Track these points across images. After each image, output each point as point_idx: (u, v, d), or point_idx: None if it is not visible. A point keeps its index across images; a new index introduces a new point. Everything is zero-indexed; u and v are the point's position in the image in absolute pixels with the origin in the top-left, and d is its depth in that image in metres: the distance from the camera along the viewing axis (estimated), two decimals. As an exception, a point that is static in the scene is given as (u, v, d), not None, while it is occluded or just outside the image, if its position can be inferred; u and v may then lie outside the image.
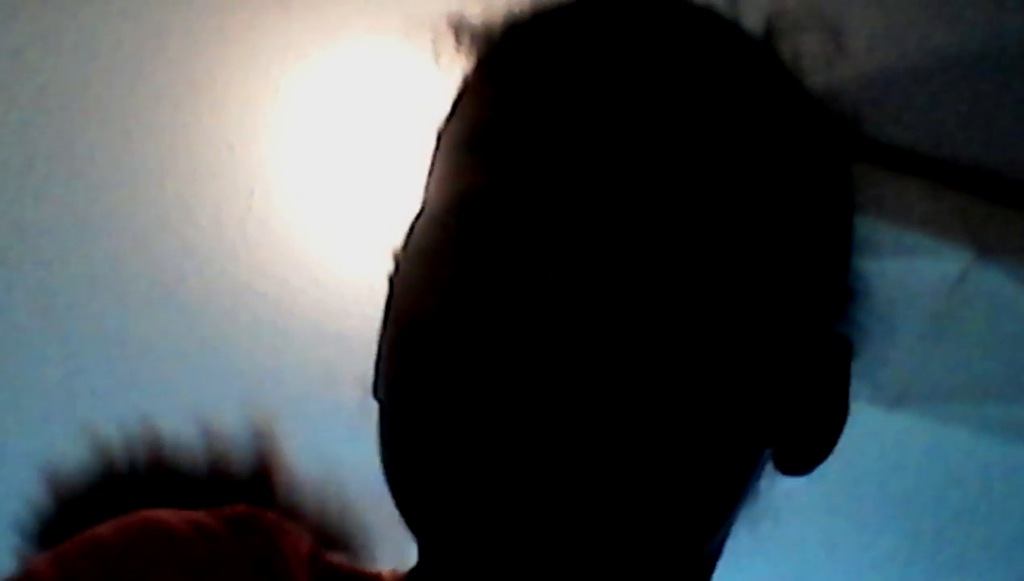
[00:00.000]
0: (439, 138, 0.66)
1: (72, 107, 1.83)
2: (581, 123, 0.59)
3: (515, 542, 0.56)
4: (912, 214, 1.49)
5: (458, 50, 0.66)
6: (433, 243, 0.61)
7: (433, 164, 0.66)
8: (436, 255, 0.60)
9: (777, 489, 0.64)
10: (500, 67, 0.64)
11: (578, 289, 0.56)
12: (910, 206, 1.47)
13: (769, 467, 0.64)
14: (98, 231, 2.01)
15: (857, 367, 0.66)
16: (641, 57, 0.60)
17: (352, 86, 1.77)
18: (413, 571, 0.66)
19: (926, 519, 2.39)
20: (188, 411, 2.48)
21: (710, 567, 0.64)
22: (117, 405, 2.35)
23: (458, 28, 0.66)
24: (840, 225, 0.66)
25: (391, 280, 0.66)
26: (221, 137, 1.86)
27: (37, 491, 0.69)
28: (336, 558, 0.69)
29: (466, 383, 0.57)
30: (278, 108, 1.81)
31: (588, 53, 0.61)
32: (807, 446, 0.64)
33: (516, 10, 0.65)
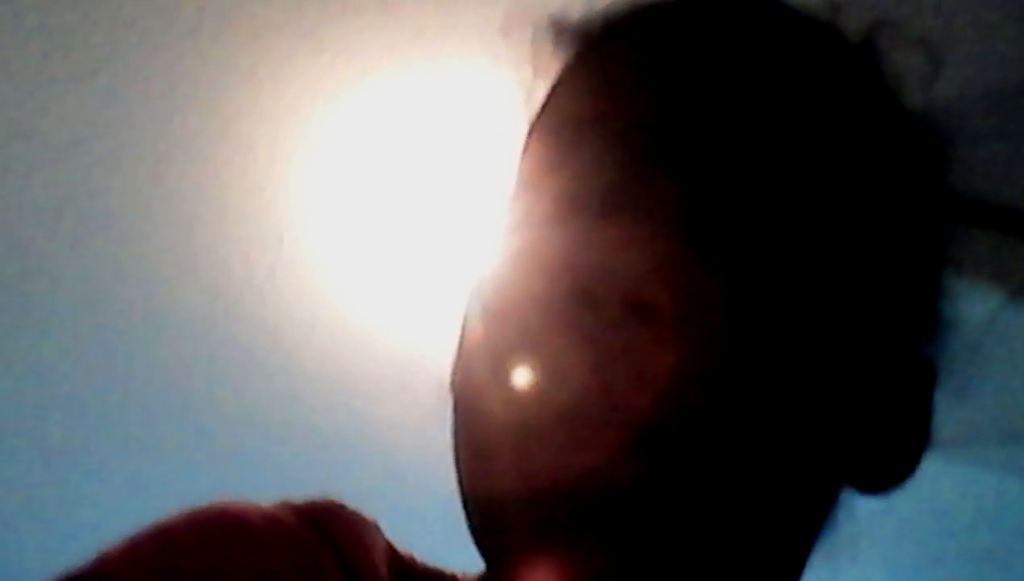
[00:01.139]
0: (531, 132, 0.66)
1: (102, 150, 1.84)
2: (679, 126, 0.59)
3: (578, 552, 0.55)
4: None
5: (554, 49, 0.67)
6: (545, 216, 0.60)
7: (526, 156, 0.65)
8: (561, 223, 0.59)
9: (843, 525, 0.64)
10: (610, 54, 0.64)
11: (669, 296, 0.56)
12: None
13: (848, 495, 0.63)
14: (127, 275, 2.02)
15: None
16: (738, 56, 0.61)
17: (381, 128, 1.77)
18: (485, 575, 0.66)
19: (957, 560, 2.37)
20: (217, 451, 2.48)
21: None
22: (147, 447, 2.35)
23: (557, 27, 0.67)
24: (930, 241, 0.66)
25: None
26: (251, 181, 1.86)
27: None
28: (412, 556, 0.68)
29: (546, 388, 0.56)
30: (308, 151, 1.82)
31: (694, 46, 0.61)
32: (885, 466, 0.64)
33: (613, 9, 0.66)
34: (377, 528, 0.67)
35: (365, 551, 0.65)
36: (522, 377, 0.57)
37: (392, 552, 0.67)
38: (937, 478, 2.07)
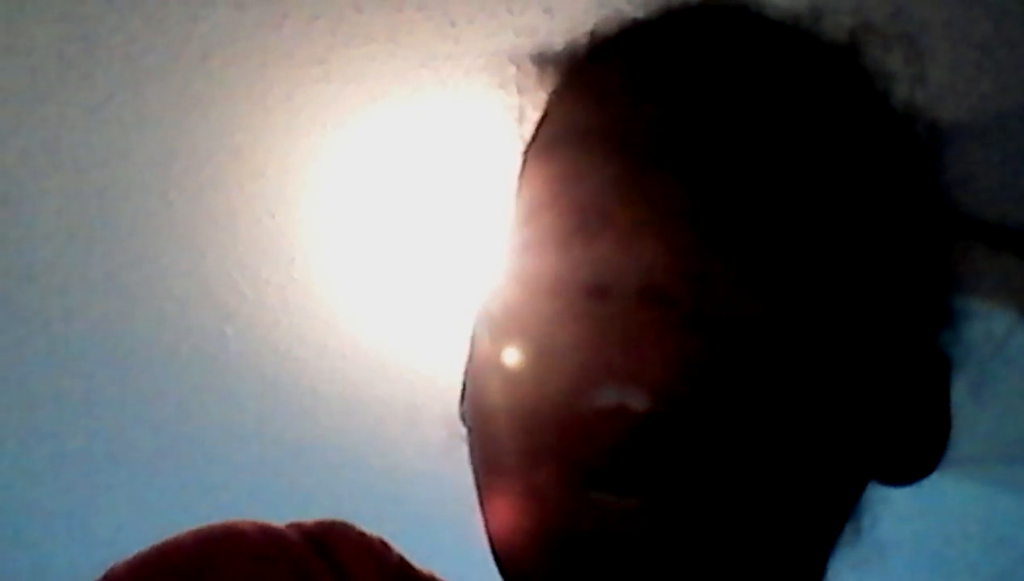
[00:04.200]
0: (527, 154, 0.67)
1: (114, 176, 1.85)
2: (678, 127, 0.60)
3: (606, 564, 0.55)
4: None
5: (540, 78, 0.67)
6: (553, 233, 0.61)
7: (526, 176, 0.66)
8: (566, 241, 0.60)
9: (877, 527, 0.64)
10: (604, 71, 0.65)
11: (686, 306, 0.56)
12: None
13: (872, 496, 0.64)
14: (140, 298, 2.03)
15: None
16: (727, 59, 0.62)
17: (391, 153, 1.78)
18: None
19: (964, 579, 2.36)
20: (228, 472, 2.47)
21: None
22: (158, 471, 2.35)
23: (541, 56, 0.68)
24: (935, 235, 0.67)
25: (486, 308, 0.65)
26: (262, 205, 1.87)
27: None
28: (426, 572, 0.68)
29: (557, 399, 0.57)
30: (318, 176, 1.82)
31: (685, 55, 0.62)
32: (910, 457, 0.64)
33: (599, 30, 0.67)
34: (386, 547, 0.67)
35: (368, 572, 0.65)
36: (542, 374, 0.57)
37: (406, 570, 0.67)
38: (946, 497, 2.06)
